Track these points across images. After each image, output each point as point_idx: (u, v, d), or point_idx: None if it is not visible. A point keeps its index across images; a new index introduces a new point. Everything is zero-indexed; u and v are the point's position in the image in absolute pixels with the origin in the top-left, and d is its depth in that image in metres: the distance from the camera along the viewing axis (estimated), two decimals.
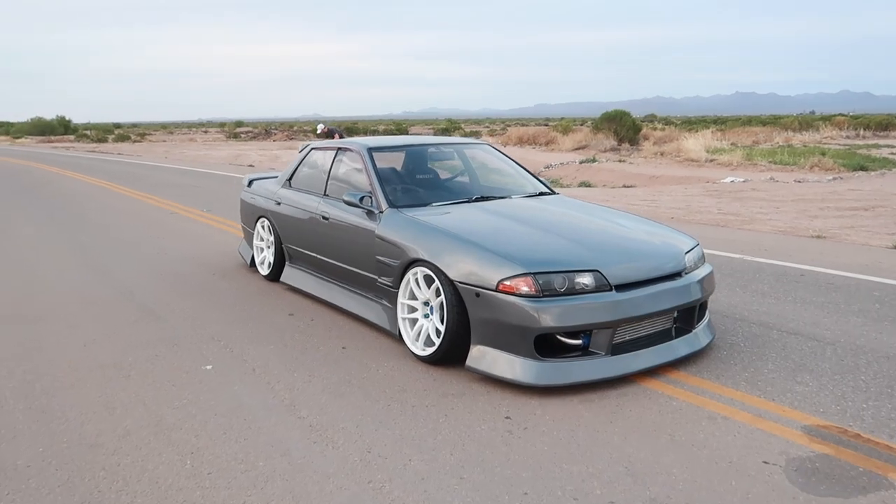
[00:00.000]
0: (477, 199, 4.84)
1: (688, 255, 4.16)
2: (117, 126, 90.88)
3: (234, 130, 69.06)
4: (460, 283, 3.83)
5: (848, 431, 3.19)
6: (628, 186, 18.24)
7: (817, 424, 3.26)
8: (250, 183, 6.72)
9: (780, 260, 6.91)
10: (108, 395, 3.78)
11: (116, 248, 8.15)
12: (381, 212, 4.61)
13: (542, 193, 5.30)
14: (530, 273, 3.61)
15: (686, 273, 4.09)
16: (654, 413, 3.42)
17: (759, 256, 7.11)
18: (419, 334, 4.14)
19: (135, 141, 54.37)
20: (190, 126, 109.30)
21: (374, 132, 66.91)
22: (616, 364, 3.71)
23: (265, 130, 63.46)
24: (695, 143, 27.08)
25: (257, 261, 6.42)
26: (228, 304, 5.55)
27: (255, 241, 6.46)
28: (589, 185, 20.15)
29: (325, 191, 5.37)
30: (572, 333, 3.73)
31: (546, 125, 50.74)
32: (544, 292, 3.59)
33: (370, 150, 5.11)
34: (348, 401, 3.62)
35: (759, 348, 4.32)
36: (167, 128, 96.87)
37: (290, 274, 5.93)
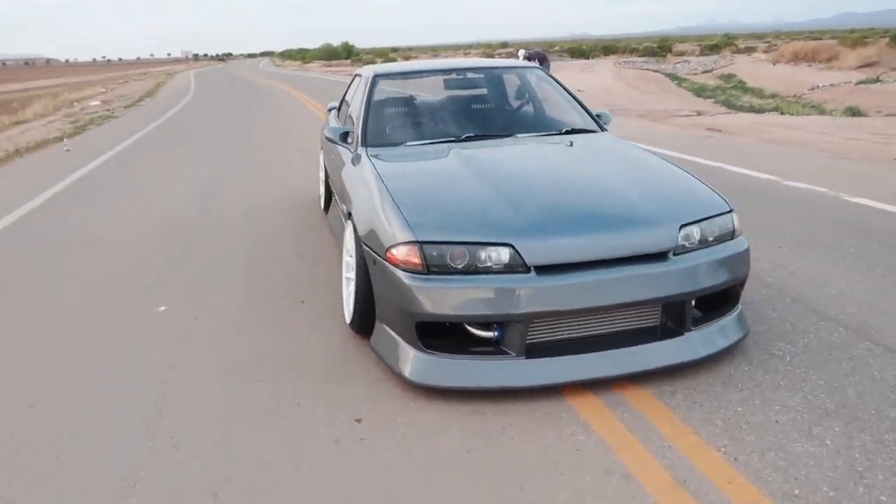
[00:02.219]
0: (467, 139, 3.91)
1: (688, 228, 2.90)
2: (394, 50, 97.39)
3: (493, 52, 69.73)
4: (365, 244, 3.12)
5: None
6: None
7: None
8: (330, 110, 6.39)
9: None
10: (36, 339, 3.78)
11: (250, 174, 8.48)
12: (356, 151, 3.96)
13: (576, 131, 4.14)
14: (417, 242, 2.77)
15: (678, 253, 2.86)
16: (539, 450, 2.46)
17: None
18: (350, 297, 3.52)
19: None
20: (456, 48, 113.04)
21: (634, 51, 62.83)
22: (527, 371, 2.75)
23: (516, 51, 62.94)
24: None
25: (321, 192, 6.16)
26: (259, 242, 5.36)
27: (320, 173, 6.18)
28: (857, 113, 16.53)
29: (343, 123, 4.83)
30: (485, 324, 2.84)
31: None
32: (432, 268, 2.74)
33: (376, 76, 4.41)
34: (216, 376, 3.17)
35: (808, 369, 2.95)
36: (435, 50, 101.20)
37: (330, 210, 5.57)
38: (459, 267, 2.73)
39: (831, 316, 3.49)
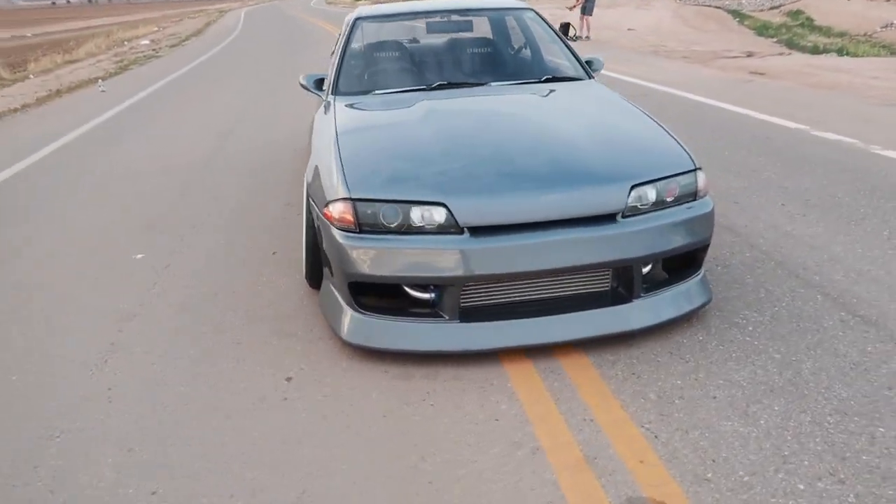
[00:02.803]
0: (439, 87, 3.73)
1: (641, 188, 2.69)
2: None
3: None
4: (311, 198, 3.05)
5: None
6: None
7: (656, 498, 1.96)
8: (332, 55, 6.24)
9: None
10: (10, 288, 3.89)
11: (268, 121, 8.45)
12: (326, 98, 3.85)
13: (558, 79, 3.91)
14: (351, 199, 2.67)
15: (628, 215, 2.69)
16: (455, 418, 2.40)
17: None
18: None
19: None
20: None
21: None
22: (460, 335, 2.66)
23: None
24: None
25: None
26: (254, 190, 5.34)
27: None
28: None
29: None
30: (423, 285, 2.75)
31: None
32: (364, 226, 2.65)
33: (357, 20, 4.24)
34: (169, 328, 3.20)
35: (768, 341, 2.77)
36: None
37: None
38: (392, 226, 2.63)
39: (814, 283, 3.26)
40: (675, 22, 25.10)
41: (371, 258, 2.62)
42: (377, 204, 2.64)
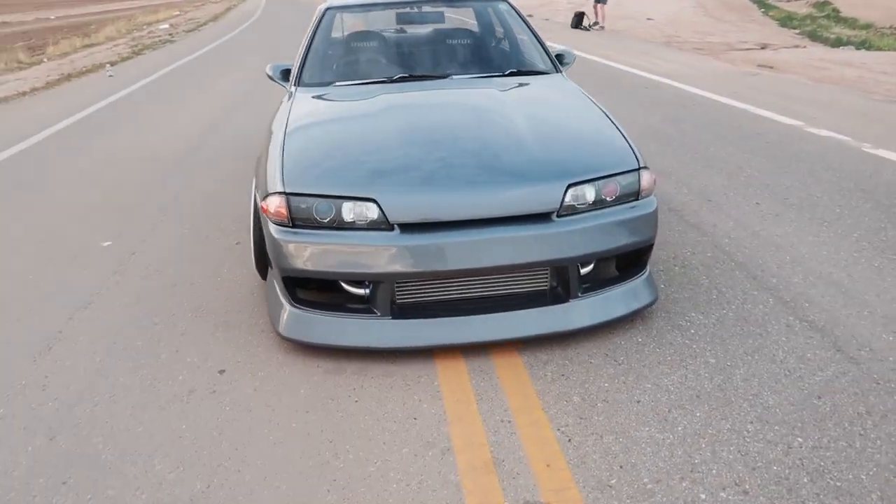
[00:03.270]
0: (400, 79, 3.70)
1: (578, 187, 2.65)
2: None
3: None
4: (257, 189, 3.05)
5: None
6: None
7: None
8: None
9: None
10: None
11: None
12: (289, 89, 3.84)
13: (523, 72, 3.86)
14: (285, 193, 2.67)
15: (564, 214, 2.65)
16: (376, 416, 2.40)
17: None
18: None
19: None
20: None
21: None
22: (391, 332, 2.66)
23: None
24: None
25: None
26: (228, 179, 5.37)
27: None
28: None
29: None
30: (357, 281, 2.75)
31: None
32: (297, 221, 2.64)
33: (327, 9, 4.22)
34: (121, 316, 3.22)
35: (707, 345, 2.73)
36: None
37: None
38: (325, 221, 2.62)
39: (769, 285, 3.20)
40: (696, 12, 24.64)
41: (304, 253, 2.62)
42: (310, 199, 2.64)
